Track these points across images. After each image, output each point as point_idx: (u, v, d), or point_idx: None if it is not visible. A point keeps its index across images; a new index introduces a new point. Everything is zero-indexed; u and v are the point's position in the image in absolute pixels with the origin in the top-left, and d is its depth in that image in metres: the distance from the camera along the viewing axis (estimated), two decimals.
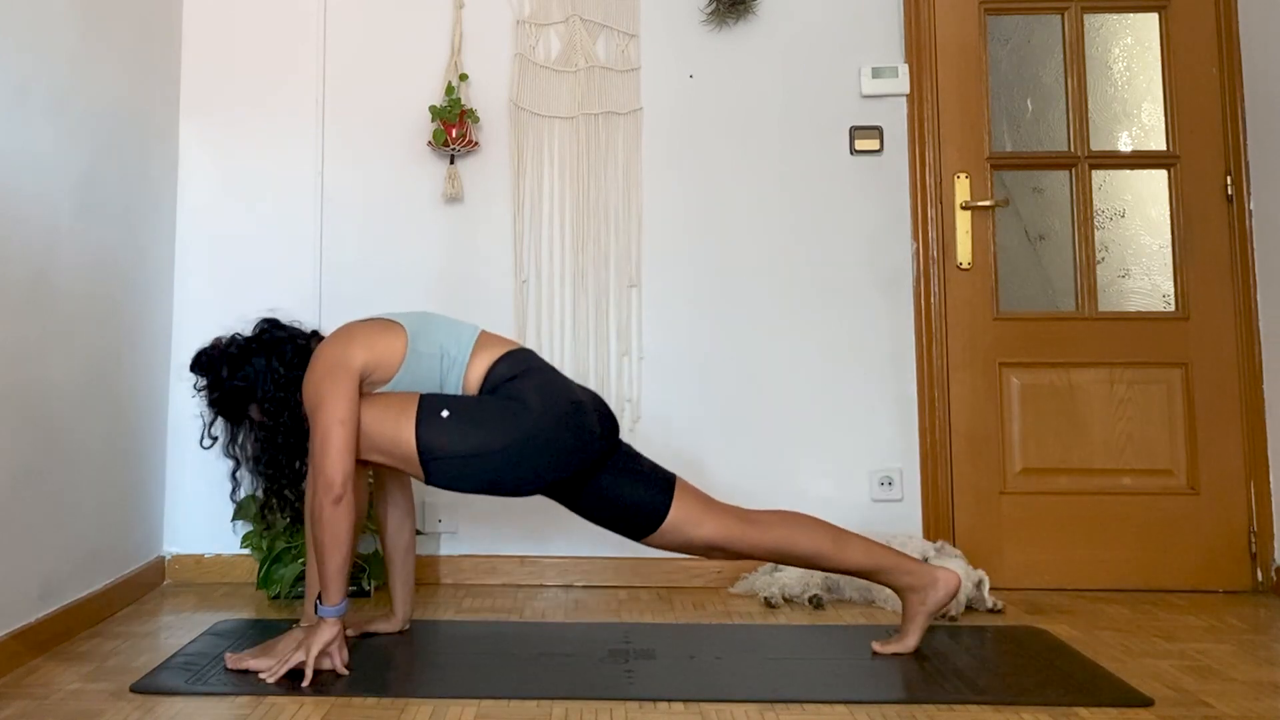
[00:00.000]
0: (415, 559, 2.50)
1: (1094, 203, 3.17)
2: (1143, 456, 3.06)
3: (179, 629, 2.51)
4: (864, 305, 3.15)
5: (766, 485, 3.05)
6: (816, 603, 2.77)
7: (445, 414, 2.14)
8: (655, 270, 3.16)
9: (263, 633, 2.41)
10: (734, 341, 3.14)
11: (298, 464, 2.28)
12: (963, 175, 3.16)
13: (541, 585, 3.05)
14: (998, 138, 3.20)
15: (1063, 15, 3.21)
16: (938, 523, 3.05)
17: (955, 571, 2.32)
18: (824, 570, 2.35)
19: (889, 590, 2.49)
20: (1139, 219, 3.20)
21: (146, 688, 2.03)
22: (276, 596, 2.81)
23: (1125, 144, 3.23)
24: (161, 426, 3.04)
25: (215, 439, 2.33)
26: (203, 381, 2.31)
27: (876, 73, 3.18)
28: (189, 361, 2.33)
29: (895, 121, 3.19)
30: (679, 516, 2.24)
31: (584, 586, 3.04)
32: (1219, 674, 2.18)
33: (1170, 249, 3.14)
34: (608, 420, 2.28)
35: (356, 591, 2.86)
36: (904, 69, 3.18)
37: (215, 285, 3.11)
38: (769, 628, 2.57)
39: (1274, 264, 3.00)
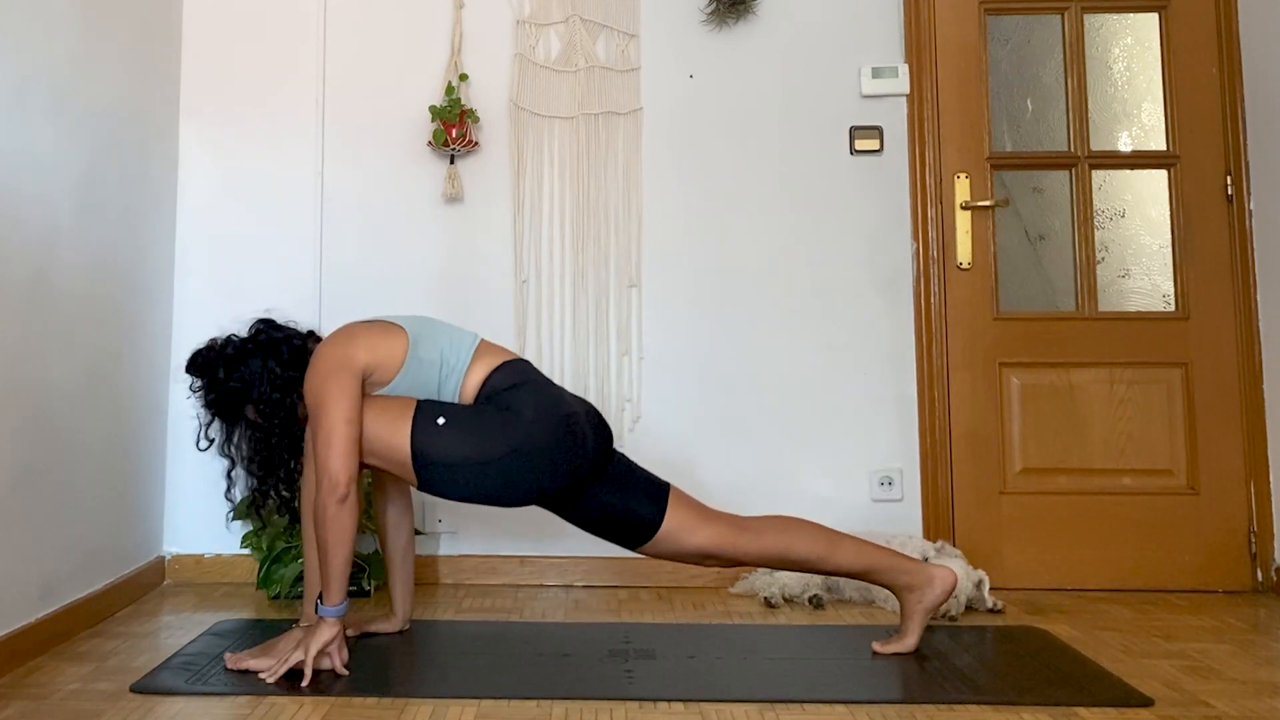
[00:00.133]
0: (415, 559, 2.50)
1: (1094, 203, 3.17)
2: (1143, 456, 3.06)
3: (179, 629, 2.52)
4: (864, 305, 3.15)
5: (766, 485, 3.05)
6: (816, 603, 2.77)
7: (441, 421, 2.14)
8: (655, 270, 3.16)
9: (263, 633, 2.41)
10: (734, 341, 3.14)
11: (292, 464, 2.29)
12: (963, 175, 3.16)
13: (541, 585, 3.05)
14: (998, 138, 3.20)
15: (1063, 15, 3.21)
16: (938, 523, 3.05)
17: (952, 569, 2.32)
18: (820, 574, 2.35)
19: (888, 590, 2.49)
20: (1139, 219, 3.20)
21: (146, 688, 2.03)
22: (276, 596, 2.81)
23: (1125, 144, 3.23)
24: (161, 426, 3.04)
25: (212, 441, 2.33)
26: (199, 383, 2.31)
27: (876, 73, 3.18)
28: (184, 363, 2.34)
29: (895, 121, 3.19)
30: (673, 526, 2.24)
31: (584, 586, 3.04)
32: (1219, 674, 2.18)
33: (1170, 249, 3.14)
34: (602, 432, 2.27)
35: (356, 591, 2.86)
36: (904, 69, 3.18)
37: (215, 285, 3.11)
38: (769, 628, 2.57)
39: (1274, 264, 3.01)
